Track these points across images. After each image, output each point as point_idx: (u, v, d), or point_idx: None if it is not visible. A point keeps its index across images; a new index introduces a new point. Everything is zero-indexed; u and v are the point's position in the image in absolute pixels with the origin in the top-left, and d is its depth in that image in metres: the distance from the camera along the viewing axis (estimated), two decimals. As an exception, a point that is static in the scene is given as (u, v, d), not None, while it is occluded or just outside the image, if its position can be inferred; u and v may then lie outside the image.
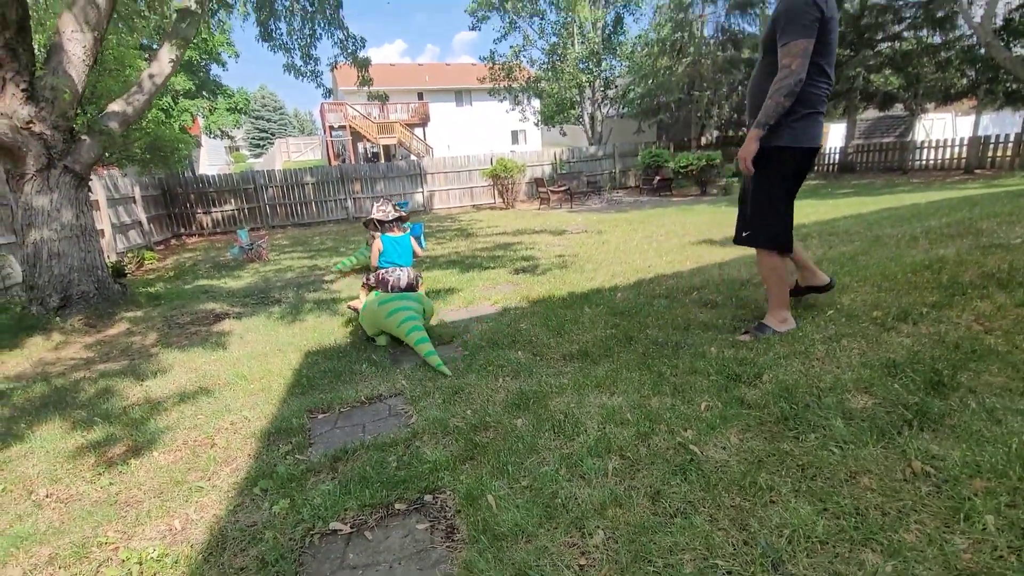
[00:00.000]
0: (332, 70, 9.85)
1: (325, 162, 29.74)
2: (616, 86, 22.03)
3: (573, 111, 21.29)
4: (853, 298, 3.05)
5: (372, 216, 3.58)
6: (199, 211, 14.15)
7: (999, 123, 21.48)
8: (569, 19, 19.11)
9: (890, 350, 2.30)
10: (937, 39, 15.84)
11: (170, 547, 1.71)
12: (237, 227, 12.73)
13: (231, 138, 34.37)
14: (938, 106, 18.32)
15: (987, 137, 14.50)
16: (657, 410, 2.13)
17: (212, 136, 27.15)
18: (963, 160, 14.71)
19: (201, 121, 24.23)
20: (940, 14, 14.95)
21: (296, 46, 8.81)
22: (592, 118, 21.07)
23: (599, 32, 19.72)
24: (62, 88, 4.96)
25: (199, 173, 19.54)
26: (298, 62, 8.96)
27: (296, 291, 5.81)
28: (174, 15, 6.59)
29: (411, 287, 3.37)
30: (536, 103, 22.80)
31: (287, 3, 8.38)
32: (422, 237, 7.54)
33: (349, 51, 9.02)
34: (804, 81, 2.38)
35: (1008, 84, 14.52)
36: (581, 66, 19.52)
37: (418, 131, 29.18)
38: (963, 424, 1.71)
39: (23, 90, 4.74)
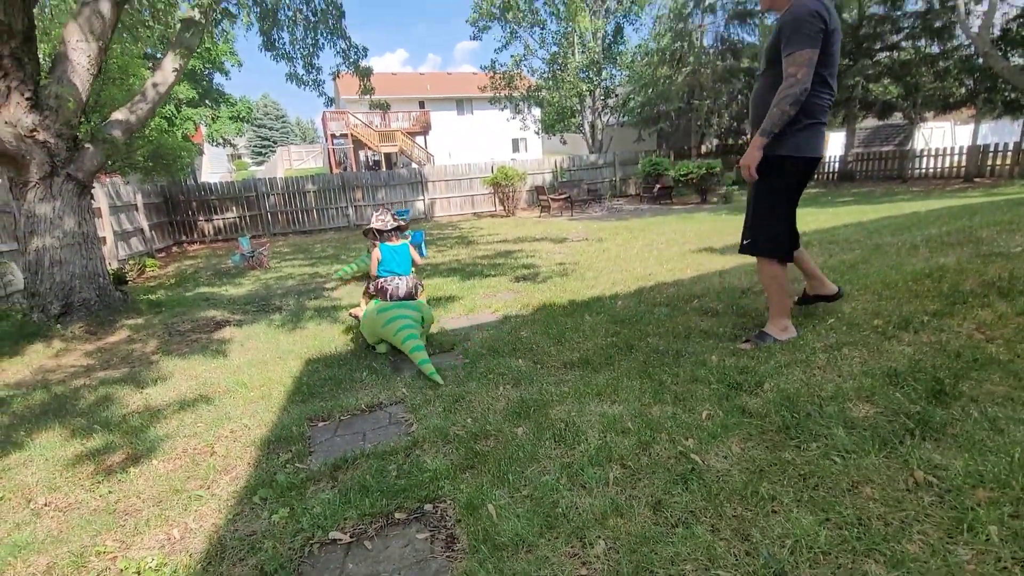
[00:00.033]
0: (334, 79, 9.92)
1: (327, 170, 29.88)
2: (616, 95, 22.17)
3: (574, 120, 21.41)
4: (854, 306, 3.05)
5: (371, 225, 3.60)
6: (201, 218, 14.18)
7: (998, 131, 21.56)
8: (569, 29, 19.26)
9: (891, 359, 2.30)
10: (935, 49, 15.97)
11: (168, 556, 1.70)
12: (239, 234, 12.75)
13: (233, 146, 34.58)
14: (937, 115, 18.44)
15: (986, 146, 14.56)
16: (658, 419, 2.13)
17: (214, 144, 27.31)
18: (963, 168, 14.76)
19: (204, 129, 24.36)
20: (938, 24, 15.10)
21: (299, 55, 8.89)
22: (592, 127, 21.17)
23: (599, 42, 19.86)
24: (66, 97, 5.00)
25: (201, 181, 19.63)
26: (300, 71, 9.04)
27: (297, 298, 5.82)
28: (178, 25, 6.65)
29: (410, 296, 3.39)
30: (537, 112, 22.93)
31: (290, 13, 8.46)
32: (423, 245, 7.59)
33: (351, 60, 9.09)
34: (809, 91, 2.41)
35: (1006, 93, 14.61)
36: (581, 75, 19.65)
37: (419, 139, 29.31)
38: (965, 433, 1.70)
39: (28, 99, 4.78)
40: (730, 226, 8.62)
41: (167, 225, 13.45)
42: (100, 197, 9.05)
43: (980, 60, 13.87)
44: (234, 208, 14.57)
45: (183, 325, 4.97)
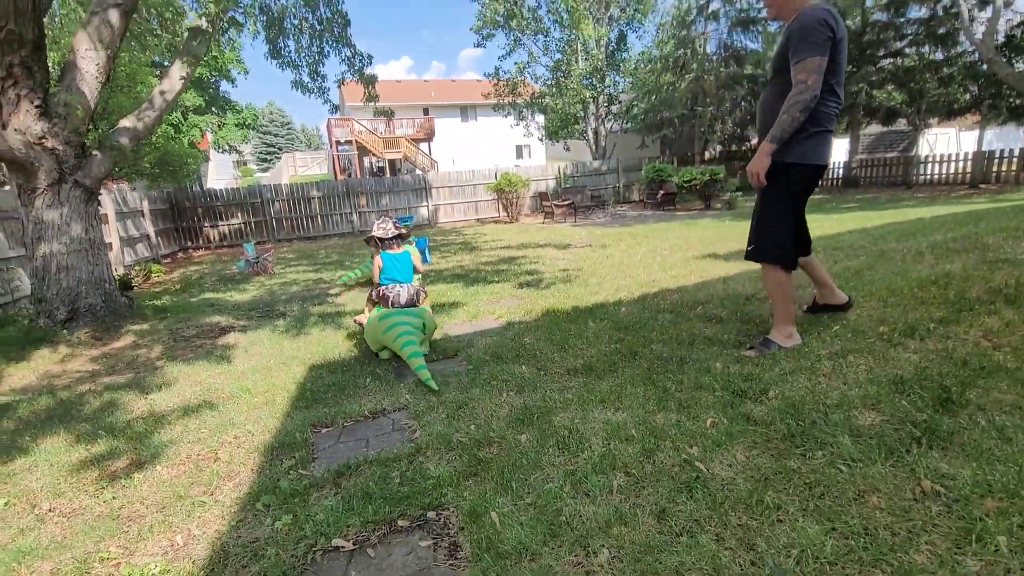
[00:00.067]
0: (339, 86, 10.01)
1: (331, 176, 30.03)
2: (620, 102, 22.24)
3: (577, 126, 21.48)
4: (859, 313, 3.03)
5: (372, 234, 3.62)
6: (206, 224, 14.28)
7: (1003, 138, 21.49)
8: (573, 36, 19.35)
9: (897, 366, 2.28)
10: (939, 55, 15.95)
11: (172, 563, 1.70)
12: (244, 240, 12.83)
13: (239, 152, 34.83)
14: (941, 121, 18.41)
15: (992, 152, 14.51)
16: (662, 426, 2.12)
17: (220, 151, 27.54)
18: (968, 175, 14.71)
19: (210, 136, 24.59)
20: (942, 31, 15.10)
21: (304, 63, 8.97)
22: (596, 133, 21.24)
23: (603, 49, 19.95)
24: (75, 104, 5.06)
25: (207, 187, 19.79)
26: (306, 79, 9.12)
27: (301, 304, 5.84)
28: (185, 33, 6.72)
29: (411, 303, 3.41)
30: (540, 118, 23.02)
31: (296, 22, 8.56)
32: (427, 251, 7.61)
33: (356, 68, 9.17)
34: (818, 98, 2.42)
35: (1011, 99, 14.59)
36: (585, 82, 19.73)
37: (423, 146, 29.47)
38: (973, 442, 1.68)
39: (37, 106, 4.83)
40: (734, 232, 8.61)
41: (173, 231, 13.55)
42: (107, 203, 9.13)
43: (984, 66, 13.85)
44: (239, 214, 14.66)
45: (188, 331, 4.99)
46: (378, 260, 3.57)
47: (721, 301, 3.93)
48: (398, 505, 1.84)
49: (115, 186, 10.14)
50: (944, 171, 15.47)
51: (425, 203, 16.59)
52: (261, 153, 55.00)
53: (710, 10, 19.04)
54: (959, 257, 4.02)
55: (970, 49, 14.78)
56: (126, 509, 2.04)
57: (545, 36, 20.64)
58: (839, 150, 20.18)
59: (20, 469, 2.45)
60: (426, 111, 32.93)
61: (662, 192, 15.99)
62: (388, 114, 10.95)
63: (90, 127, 5.55)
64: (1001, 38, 13.91)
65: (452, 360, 3.45)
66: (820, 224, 8.50)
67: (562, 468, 1.94)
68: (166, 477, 2.27)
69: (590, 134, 21.24)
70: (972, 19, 13.37)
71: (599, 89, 20.31)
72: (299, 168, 39.08)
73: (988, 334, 2.44)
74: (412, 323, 3.28)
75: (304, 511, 1.87)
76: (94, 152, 5.46)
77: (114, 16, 5.25)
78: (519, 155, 34.97)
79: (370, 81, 9.35)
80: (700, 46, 19.34)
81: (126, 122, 5.99)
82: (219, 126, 23.63)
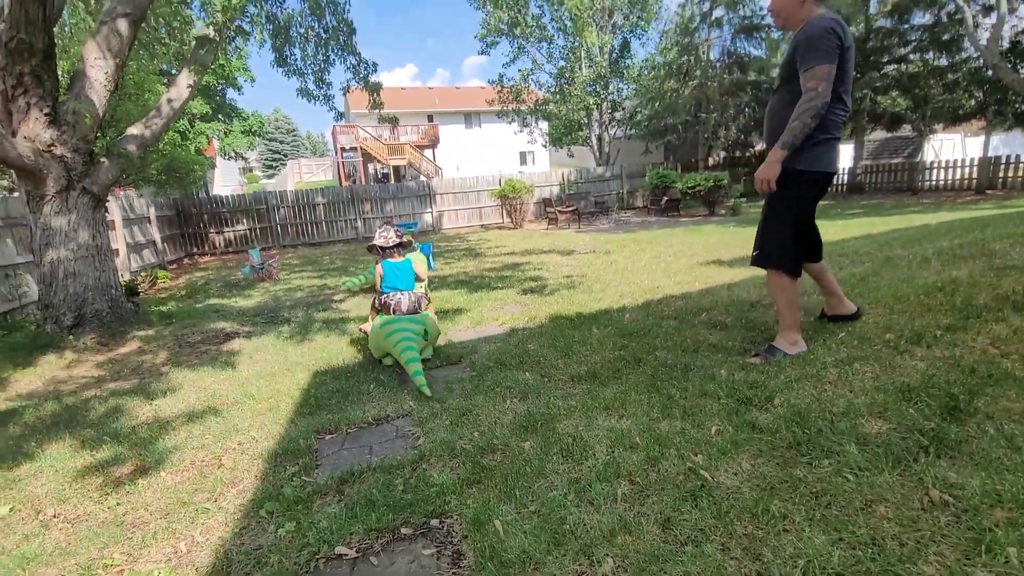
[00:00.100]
0: (344, 94, 10.07)
1: (336, 183, 30.21)
2: (623, 108, 22.28)
3: (581, 133, 21.53)
4: (865, 320, 3.01)
5: (374, 242, 3.65)
6: (212, 231, 14.37)
7: (1009, 143, 21.38)
8: (576, 44, 19.44)
9: (904, 374, 2.27)
10: (944, 61, 15.93)
11: (175, 570, 1.70)
12: (249, 247, 12.89)
13: (245, 159, 35.02)
14: (947, 127, 18.34)
15: (998, 157, 14.44)
16: (667, 434, 2.11)
17: (227, 157, 27.70)
18: (974, 180, 14.65)
19: (216, 143, 24.76)
20: (946, 37, 15.09)
21: (310, 71, 9.04)
22: (600, 139, 21.28)
23: (606, 56, 20.03)
24: (83, 112, 5.12)
25: (213, 193, 19.95)
26: (311, 86, 9.19)
27: (305, 310, 5.85)
28: (193, 42, 6.80)
29: (413, 310, 3.42)
30: (544, 125, 23.08)
31: (302, 30, 8.64)
32: (431, 257, 7.62)
33: (361, 76, 9.23)
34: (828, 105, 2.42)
35: (1017, 105, 14.53)
36: (588, 89, 19.80)
37: (428, 152, 29.59)
38: (981, 451, 1.67)
39: (46, 114, 4.89)
40: (738, 238, 8.59)
41: (179, 237, 13.64)
42: (114, 210, 9.20)
43: (989, 72, 13.81)
44: (245, 220, 14.75)
45: (193, 336, 5.02)
46: (379, 269, 3.59)
47: (726, 308, 3.92)
48: (401, 513, 1.84)
49: (122, 192, 10.23)
50: (950, 177, 15.42)
51: (429, 209, 16.65)
52: (267, 160, 55.37)
53: (713, 17, 19.10)
54: (966, 263, 4.00)
55: (975, 55, 14.75)
56: (130, 515, 2.04)
57: (549, 43, 20.74)
58: (844, 156, 20.13)
59: (25, 475, 2.46)
60: (430, 118, 33.09)
61: (666, 198, 15.99)
62: (393, 121, 11.02)
63: (98, 135, 5.62)
64: (1006, 44, 13.88)
65: (456, 366, 3.45)
66: (825, 230, 8.41)
67: (566, 476, 1.93)
68: (170, 483, 2.27)
69: (594, 140, 21.28)
70: (976, 25, 13.36)
71: (603, 96, 20.37)
72: (304, 175, 39.29)
73: (996, 341, 2.42)
74: (413, 330, 3.30)
75: (307, 518, 1.87)
76: (102, 159, 5.51)
77: (123, 25, 5.31)
78: (523, 161, 35.06)
79: (375, 88, 9.42)
80: (704, 53, 19.39)
81: (134, 130, 6.05)
82: (225, 133, 23.82)
